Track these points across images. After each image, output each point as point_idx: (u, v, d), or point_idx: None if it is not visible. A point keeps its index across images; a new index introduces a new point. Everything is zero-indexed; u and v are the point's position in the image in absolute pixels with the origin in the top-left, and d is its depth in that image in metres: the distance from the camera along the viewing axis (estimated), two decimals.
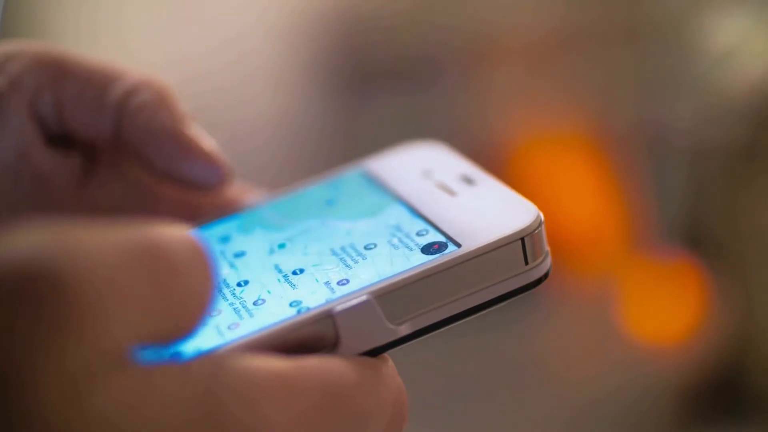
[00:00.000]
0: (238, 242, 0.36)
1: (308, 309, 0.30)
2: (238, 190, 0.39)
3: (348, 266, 0.32)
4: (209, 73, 1.44)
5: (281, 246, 0.34)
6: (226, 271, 0.33)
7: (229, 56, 1.45)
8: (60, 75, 0.37)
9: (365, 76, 1.47)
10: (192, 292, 0.25)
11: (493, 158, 1.35)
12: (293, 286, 0.32)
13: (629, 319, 1.34)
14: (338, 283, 0.31)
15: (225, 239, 0.36)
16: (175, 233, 0.25)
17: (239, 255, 0.35)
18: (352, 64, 1.48)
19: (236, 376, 0.25)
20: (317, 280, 0.32)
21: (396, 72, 1.45)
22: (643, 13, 1.36)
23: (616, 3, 1.41)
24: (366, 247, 0.32)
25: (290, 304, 0.31)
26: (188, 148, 0.36)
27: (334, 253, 0.32)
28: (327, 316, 0.29)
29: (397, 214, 0.34)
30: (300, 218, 0.36)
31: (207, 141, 0.37)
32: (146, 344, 0.25)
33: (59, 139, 0.38)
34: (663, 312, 1.33)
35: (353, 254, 0.32)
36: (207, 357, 0.25)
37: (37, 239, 0.23)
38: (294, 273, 0.33)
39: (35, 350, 0.22)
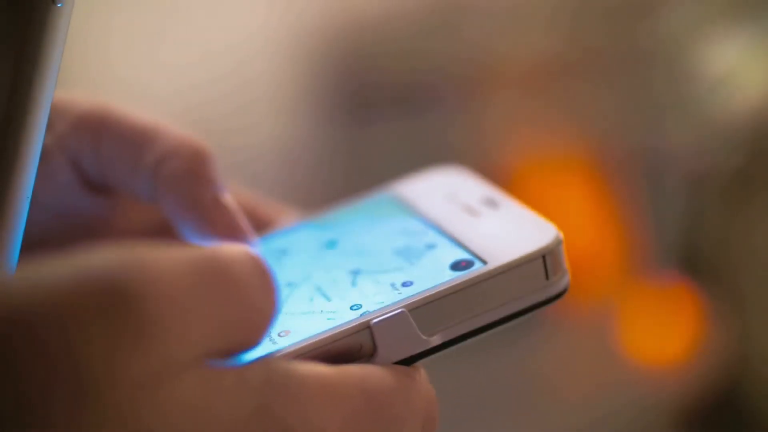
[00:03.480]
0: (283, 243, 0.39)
1: (356, 319, 0.33)
2: (273, 210, 0.41)
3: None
4: (211, 99, 1.45)
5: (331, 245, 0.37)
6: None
7: (229, 82, 1.47)
8: (100, 136, 0.39)
9: (365, 102, 1.48)
10: (255, 307, 0.27)
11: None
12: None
13: (627, 342, 1.35)
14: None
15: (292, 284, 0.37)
16: (236, 250, 0.27)
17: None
18: (352, 90, 1.50)
19: (286, 381, 0.27)
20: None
21: (396, 98, 1.47)
22: (640, 40, 1.38)
23: (613, 30, 1.43)
24: (422, 287, 0.33)
25: (351, 308, 0.34)
26: (211, 223, 0.37)
27: (390, 291, 0.34)
28: (365, 328, 0.31)
29: (448, 251, 0.36)
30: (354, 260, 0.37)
31: (233, 213, 0.37)
32: (214, 357, 0.26)
33: (107, 189, 0.40)
34: (661, 334, 1.35)
35: (409, 293, 0.34)
36: (260, 362, 0.27)
37: (111, 258, 0.25)
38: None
39: (110, 358, 0.24)
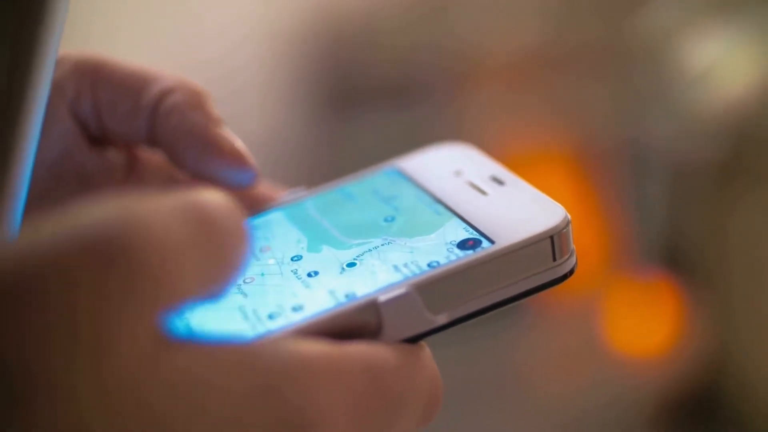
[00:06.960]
0: (311, 262, 0.36)
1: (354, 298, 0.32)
2: (266, 187, 0.41)
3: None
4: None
5: (351, 265, 0.35)
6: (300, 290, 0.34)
7: (217, 73, 1.47)
8: (98, 79, 0.39)
9: (353, 93, 1.48)
10: (232, 255, 0.27)
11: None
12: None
13: (609, 334, 1.36)
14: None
15: (297, 258, 0.36)
16: (216, 196, 0.27)
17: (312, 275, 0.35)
18: (339, 83, 1.50)
19: (293, 362, 0.27)
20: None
21: (384, 90, 1.47)
22: (625, 35, 1.38)
23: (600, 24, 1.44)
24: (429, 265, 0.33)
25: None
26: (218, 149, 0.38)
27: (397, 270, 0.33)
28: (372, 305, 0.31)
29: (455, 229, 0.35)
30: (363, 236, 0.36)
31: (237, 142, 0.39)
32: (192, 301, 0.26)
33: (100, 140, 0.41)
34: (642, 327, 1.35)
35: (416, 271, 0.33)
36: (267, 341, 0.27)
37: (105, 211, 0.25)
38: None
39: (114, 315, 0.24)
